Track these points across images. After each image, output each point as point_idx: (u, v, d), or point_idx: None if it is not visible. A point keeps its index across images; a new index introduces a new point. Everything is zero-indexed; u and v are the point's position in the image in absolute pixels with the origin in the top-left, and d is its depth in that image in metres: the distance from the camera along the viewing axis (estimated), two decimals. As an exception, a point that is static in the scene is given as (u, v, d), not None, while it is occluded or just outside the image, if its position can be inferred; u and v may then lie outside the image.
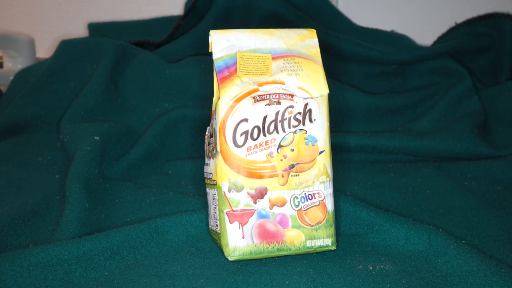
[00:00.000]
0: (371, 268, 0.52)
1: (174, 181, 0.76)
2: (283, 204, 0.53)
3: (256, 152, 0.53)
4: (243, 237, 0.52)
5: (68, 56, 0.97)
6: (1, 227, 0.58)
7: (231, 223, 0.52)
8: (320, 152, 0.54)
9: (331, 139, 0.57)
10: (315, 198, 0.54)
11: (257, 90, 0.53)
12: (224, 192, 0.52)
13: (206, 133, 0.58)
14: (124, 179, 0.76)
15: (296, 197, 0.53)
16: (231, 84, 0.53)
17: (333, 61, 1.04)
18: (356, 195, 0.71)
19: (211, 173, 0.55)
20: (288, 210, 0.53)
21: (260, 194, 0.53)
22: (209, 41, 0.55)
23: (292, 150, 0.53)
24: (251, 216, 0.53)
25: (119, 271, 0.52)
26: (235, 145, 0.52)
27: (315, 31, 0.58)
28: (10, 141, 0.86)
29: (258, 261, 0.53)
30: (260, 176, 0.53)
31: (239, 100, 0.52)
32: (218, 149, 0.52)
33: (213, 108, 0.55)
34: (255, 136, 0.53)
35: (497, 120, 0.96)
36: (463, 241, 0.56)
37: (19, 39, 1.15)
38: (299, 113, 0.54)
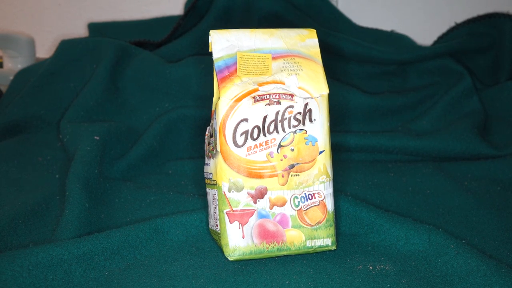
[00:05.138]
0: (371, 268, 0.52)
1: (174, 181, 0.76)
2: (283, 204, 0.53)
3: (256, 152, 0.53)
4: (243, 237, 0.52)
5: (68, 56, 0.97)
6: (1, 227, 0.58)
7: (231, 223, 0.52)
8: (320, 152, 0.54)
9: (331, 139, 0.57)
10: (315, 198, 0.54)
11: (257, 90, 0.53)
12: (224, 192, 0.52)
13: (206, 133, 0.58)
14: (124, 179, 0.76)
15: (296, 197, 0.53)
16: (231, 84, 0.53)
17: (333, 61, 1.04)
18: (356, 195, 0.71)
19: (211, 173, 0.55)
20: (288, 210, 0.53)
21: (260, 194, 0.53)
22: (209, 41, 0.55)
23: (292, 150, 0.53)
24: (251, 216, 0.53)
25: (119, 271, 0.52)
26: (235, 145, 0.52)
27: (315, 31, 0.58)
28: (10, 141, 0.86)
29: (258, 261, 0.53)
30: (260, 176, 0.53)
31: (239, 100, 0.52)
32: (218, 149, 0.52)
33: (213, 108, 0.55)
34: (255, 136, 0.53)
35: (497, 120, 0.96)
36: (463, 241, 0.56)
37: (19, 39, 1.15)
38: (299, 113, 0.54)
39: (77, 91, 0.93)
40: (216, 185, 0.53)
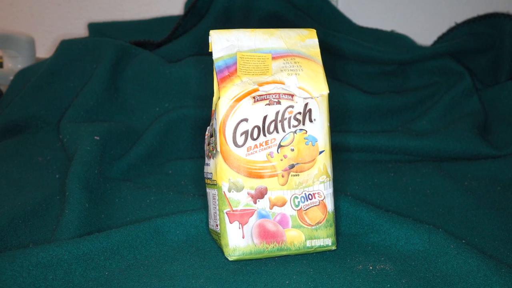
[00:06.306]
0: (371, 268, 0.52)
1: (174, 181, 0.76)
2: (283, 204, 0.53)
3: (256, 152, 0.53)
4: (243, 237, 0.52)
5: (68, 56, 0.97)
6: (1, 227, 0.58)
7: (231, 223, 0.52)
8: (320, 152, 0.54)
9: (331, 139, 0.57)
10: (315, 198, 0.54)
11: (257, 90, 0.53)
12: (224, 192, 0.52)
13: (206, 133, 0.58)
14: (124, 179, 0.76)
15: (296, 197, 0.53)
16: (231, 84, 0.53)
17: (333, 61, 1.04)
18: (356, 195, 0.71)
19: (211, 173, 0.55)
20: (288, 210, 0.53)
21: (260, 194, 0.53)
22: (209, 41, 0.55)
23: (292, 150, 0.53)
24: (251, 216, 0.53)
25: (119, 271, 0.52)
26: (235, 145, 0.52)
27: (315, 31, 0.58)
28: (10, 141, 0.86)
29: (258, 261, 0.53)
30: (260, 176, 0.53)
31: (239, 100, 0.52)
32: (218, 149, 0.52)
33: (213, 108, 0.55)
34: (255, 136, 0.53)
35: (497, 120, 0.96)
36: (463, 241, 0.56)
37: (19, 39, 1.15)
38: (299, 113, 0.54)
39: (77, 91, 0.93)
40: (216, 185, 0.53)
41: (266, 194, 0.53)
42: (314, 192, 0.54)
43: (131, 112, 0.91)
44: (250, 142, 0.53)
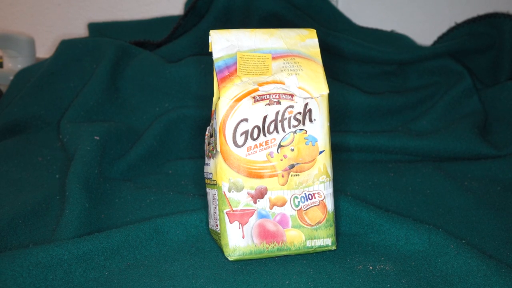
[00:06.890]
0: (371, 268, 0.52)
1: (174, 181, 0.76)
2: (283, 204, 0.53)
3: (256, 152, 0.53)
4: (243, 237, 0.52)
5: (68, 56, 0.97)
6: (1, 227, 0.58)
7: (231, 223, 0.52)
8: (320, 152, 0.54)
9: (331, 139, 0.57)
10: (315, 198, 0.54)
11: (257, 90, 0.53)
12: (224, 192, 0.52)
13: (206, 133, 0.58)
14: (124, 179, 0.76)
15: (296, 197, 0.53)
16: (231, 84, 0.53)
17: (333, 61, 1.04)
18: (356, 195, 0.71)
19: (211, 173, 0.55)
20: (288, 210, 0.53)
21: (260, 194, 0.53)
22: (209, 41, 0.55)
23: (292, 150, 0.53)
24: (251, 216, 0.53)
25: (119, 271, 0.52)
26: (235, 145, 0.52)
27: (315, 31, 0.58)
28: (10, 141, 0.86)
29: (258, 261, 0.53)
30: (260, 176, 0.53)
31: (239, 100, 0.52)
32: (218, 149, 0.52)
33: (213, 108, 0.55)
34: (255, 136, 0.53)
35: (497, 120, 0.96)
36: (463, 241, 0.56)
37: (19, 39, 1.15)
38: (299, 113, 0.54)
39: (77, 91, 0.93)
40: (216, 185, 0.53)
41: (266, 194, 0.53)
42: (314, 192, 0.54)
43: (131, 112, 0.91)
44: (250, 142, 0.53)
